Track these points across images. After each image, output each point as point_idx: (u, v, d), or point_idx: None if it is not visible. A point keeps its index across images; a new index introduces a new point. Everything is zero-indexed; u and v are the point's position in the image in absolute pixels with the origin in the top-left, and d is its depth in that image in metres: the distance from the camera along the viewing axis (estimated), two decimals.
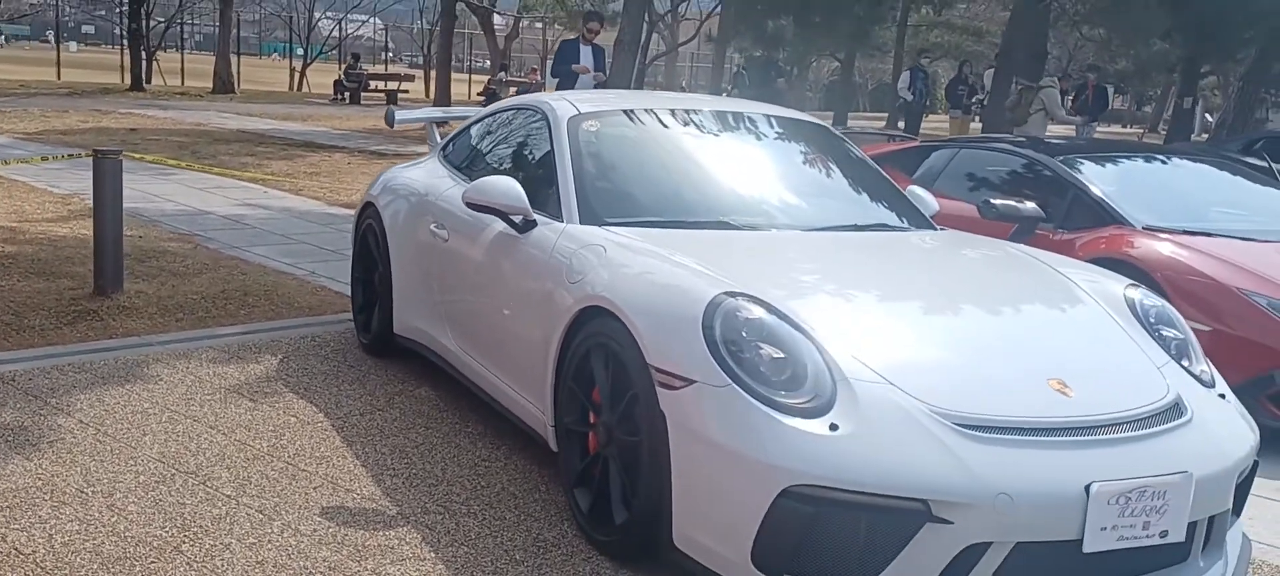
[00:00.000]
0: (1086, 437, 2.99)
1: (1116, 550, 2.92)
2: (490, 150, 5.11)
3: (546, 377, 3.76)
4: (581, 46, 12.44)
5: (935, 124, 28.19)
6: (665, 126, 4.66)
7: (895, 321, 3.40)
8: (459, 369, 4.67)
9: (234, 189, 10.96)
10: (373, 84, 31.11)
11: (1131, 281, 3.95)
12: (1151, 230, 5.78)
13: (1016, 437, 2.93)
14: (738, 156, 4.68)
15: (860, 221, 4.42)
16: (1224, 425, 3.34)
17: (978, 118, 20.95)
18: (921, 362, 3.15)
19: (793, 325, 3.15)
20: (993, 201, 6.17)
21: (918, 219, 4.64)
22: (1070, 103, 18.40)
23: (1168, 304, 3.86)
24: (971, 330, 3.44)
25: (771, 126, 4.94)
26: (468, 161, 5.22)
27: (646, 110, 4.79)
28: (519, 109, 5.06)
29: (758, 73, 21.12)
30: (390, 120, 6.31)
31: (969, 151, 7.22)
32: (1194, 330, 5.20)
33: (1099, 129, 20.26)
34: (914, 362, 3.14)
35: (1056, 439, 2.96)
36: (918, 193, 4.96)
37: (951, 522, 2.80)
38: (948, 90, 23.11)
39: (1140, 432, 3.07)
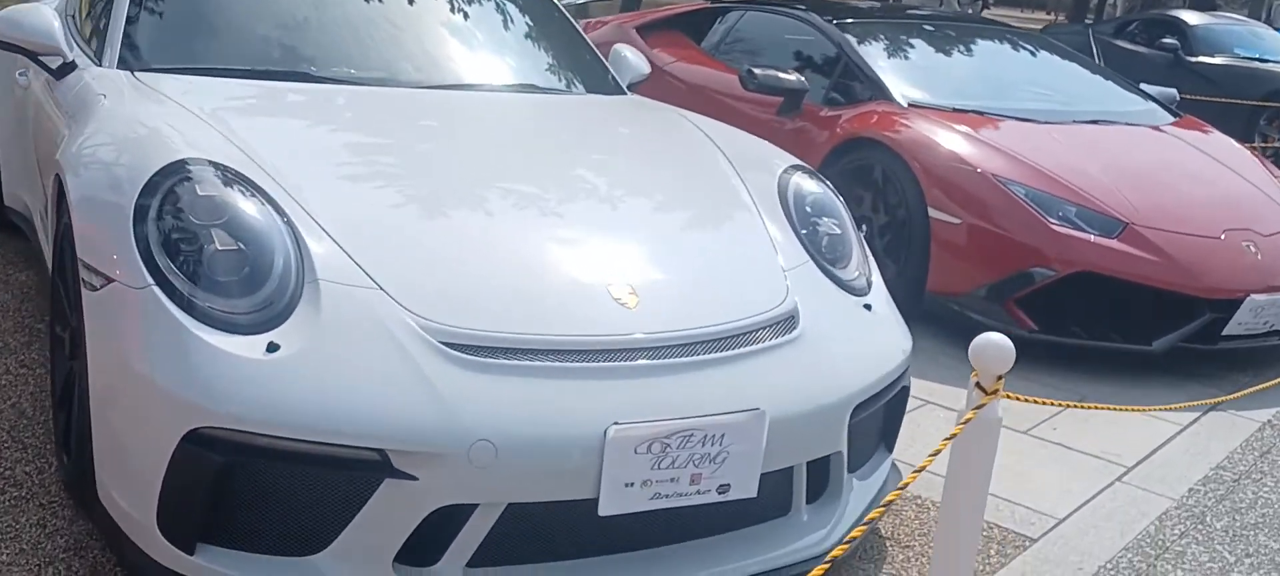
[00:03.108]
0: (625, 363, 2.27)
1: (661, 510, 2.24)
2: None
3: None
4: None
5: None
6: None
7: (438, 207, 2.63)
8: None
9: None
10: None
11: (796, 163, 3.22)
12: (917, 107, 5.07)
13: (524, 362, 2.20)
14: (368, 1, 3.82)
15: (496, 82, 3.61)
16: (852, 345, 2.66)
17: None
18: (441, 262, 2.40)
19: (273, 207, 2.37)
20: (754, 71, 5.42)
21: (598, 82, 3.85)
22: None
23: (830, 191, 3.14)
24: (540, 220, 2.67)
25: None
26: None
27: None
28: None
29: None
30: None
31: (754, 15, 6.42)
32: (945, 222, 4.58)
33: (1001, 14, 19.52)
34: (430, 261, 2.39)
35: (582, 365, 2.24)
36: (623, 54, 4.16)
37: (416, 478, 2.09)
38: None
39: (710, 356, 2.37)
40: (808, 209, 3.01)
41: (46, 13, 3.30)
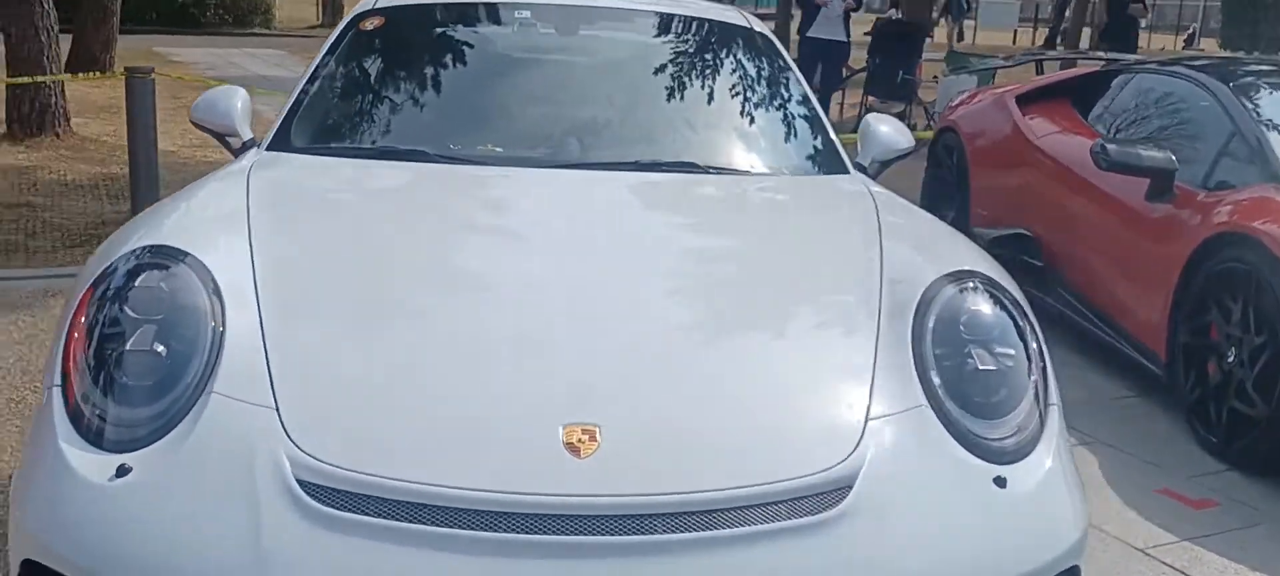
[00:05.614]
0: (525, 537, 1.67)
1: None
2: None
3: None
4: None
5: None
6: (476, 29, 3.54)
7: (420, 315, 2.14)
8: None
9: None
10: None
11: (971, 270, 2.33)
12: None
13: (393, 523, 1.69)
14: (554, 71, 3.43)
15: (641, 160, 2.97)
16: (944, 533, 1.83)
17: None
18: (376, 381, 1.94)
19: (219, 307, 2.05)
20: (1108, 147, 4.36)
21: (802, 161, 3.18)
22: None
23: (1007, 311, 2.24)
24: (530, 334, 2.07)
25: (668, 33, 3.62)
26: None
27: (481, 4, 3.69)
28: None
29: None
30: None
31: (1144, 78, 5.22)
32: None
33: None
34: (364, 381, 1.94)
35: (463, 534, 1.67)
36: (872, 128, 3.38)
37: None
38: None
39: (672, 537, 1.70)
40: (961, 330, 2.17)
41: (236, 95, 3.29)
